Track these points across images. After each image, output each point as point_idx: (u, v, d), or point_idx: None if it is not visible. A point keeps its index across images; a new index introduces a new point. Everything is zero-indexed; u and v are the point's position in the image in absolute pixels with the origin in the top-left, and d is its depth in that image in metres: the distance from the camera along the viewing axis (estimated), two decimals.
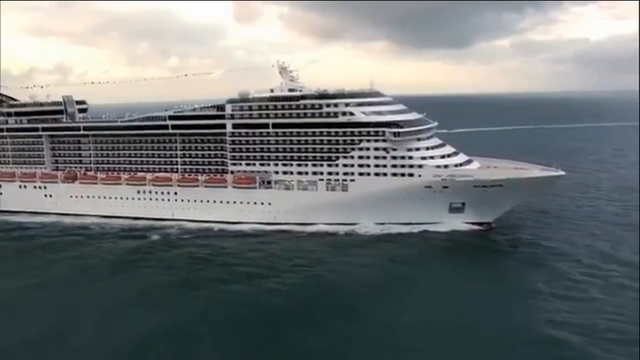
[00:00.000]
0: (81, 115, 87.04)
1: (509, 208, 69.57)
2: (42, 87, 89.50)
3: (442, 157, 68.71)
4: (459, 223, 68.44)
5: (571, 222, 71.16)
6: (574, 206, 79.79)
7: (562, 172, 68.08)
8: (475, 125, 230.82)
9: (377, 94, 72.46)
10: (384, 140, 67.54)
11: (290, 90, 73.37)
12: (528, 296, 47.35)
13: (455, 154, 71.22)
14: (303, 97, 70.76)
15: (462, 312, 44.50)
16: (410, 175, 67.22)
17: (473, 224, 68.83)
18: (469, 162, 70.81)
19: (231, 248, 63.14)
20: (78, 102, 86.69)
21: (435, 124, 74.29)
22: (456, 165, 68.14)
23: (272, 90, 74.04)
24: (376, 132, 67.83)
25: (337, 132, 69.31)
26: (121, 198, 78.82)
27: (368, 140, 68.22)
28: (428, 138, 70.67)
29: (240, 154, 73.79)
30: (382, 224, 68.08)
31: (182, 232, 70.31)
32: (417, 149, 67.91)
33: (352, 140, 68.88)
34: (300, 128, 70.54)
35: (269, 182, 72.88)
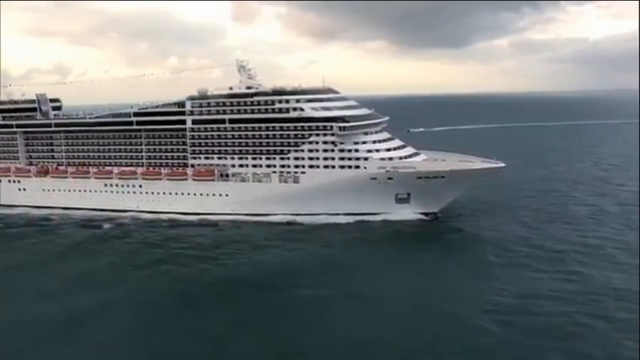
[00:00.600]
0: (55, 112, 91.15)
1: (453, 199, 72.81)
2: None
3: (388, 150, 72.14)
4: (406, 213, 71.71)
5: (511, 212, 74.19)
6: (520, 198, 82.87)
7: (502, 164, 71.39)
8: (472, 123, 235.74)
9: (329, 91, 76.00)
10: (332, 134, 71.00)
11: (248, 87, 76.92)
12: (446, 277, 51.00)
13: (402, 147, 74.64)
14: (257, 94, 74.40)
15: (383, 286, 48.43)
16: (357, 167, 70.67)
17: (420, 214, 72.39)
18: (415, 155, 74.24)
19: (180, 235, 67.10)
20: (52, 100, 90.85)
21: (386, 118, 77.80)
22: (400, 158, 71.57)
23: (231, 88, 77.76)
24: (324, 126, 71.32)
25: (288, 127, 72.86)
26: (89, 191, 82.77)
27: (317, 135, 71.74)
28: (376, 132, 74.08)
29: (200, 148, 77.55)
30: (331, 214, 71.58)
31: (137, 222, 74.36)
32: (364, 143, 71.33)
33: (303, 134, 72.42)
34: (255, 123, 74.17)
35: (226, 175, 76.57)
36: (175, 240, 64.48)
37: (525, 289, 46.12)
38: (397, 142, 74.94)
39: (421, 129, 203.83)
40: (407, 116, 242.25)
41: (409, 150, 74.53)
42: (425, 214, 72.27)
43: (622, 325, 39.14)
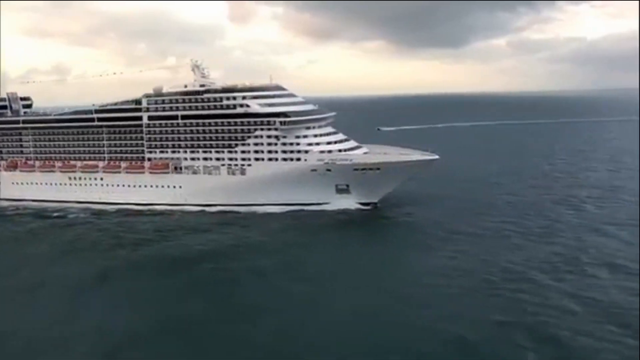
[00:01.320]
0: (25, 110, 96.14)
1: (392, 189, 77.08)
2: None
3: (328, 143, 76.50)
4: (346, 203, 76.10)
5: (447, 202, 78.37)
6: (461, 190, 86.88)
7: (436, 156, 75.64)
8: (462, 121, 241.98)
9: (277, 88, 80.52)
10: (275, 129, 75.50)
11: (201, 85, 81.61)
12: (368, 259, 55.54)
13: (345, 141, 79.00)
14: (207, 92, 79.03)
15: (309, 263, 54.41)
16: (298, 159, 75.10)
17: (360, 204, 76.77)
18: (356, 148, 78.59)
19: (127, 223, 72.28)
20: (22, 99, 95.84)
21: (332, 114, 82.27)
22: (340, 151, 75.88)
23: (185, 86, 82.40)
24: (268, 121, 75.77)
25: (235, 122, 77.39)
26: (55, 184, 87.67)
27: (262, 129, 76.22)
28: (319, 127, 78.43)
29: (155, 142, 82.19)
30: (275, 204, 76.01)
31: (87, 213, 79.52)
32: (305, 136, 75.77)
33: (248, 129, 76.94)
34: (205, 119, 78.76)
35: (180, 168, 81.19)
36: (121, 227, 69.52)
37: (426, 266, 51.58)
38: (339, 137, 79.31)
39: (392, 128, 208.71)
40: (403, 115, 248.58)
41: (351, 144, 78.89)
42: (366, 204, 76.73)
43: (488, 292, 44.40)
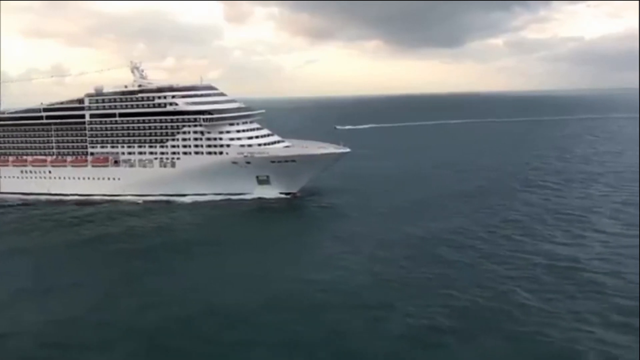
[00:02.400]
0: None
1: (309, 179, 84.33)
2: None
3: (249, 138, 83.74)
4: (268, 193, 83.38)
5: (359, 193, 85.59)
6: (379, 182, 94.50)
7: (347, 150, 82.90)
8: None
9: (207, 88, 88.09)
10: (200, 125, 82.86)
11: (140, 86, 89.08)
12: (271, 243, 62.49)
13: (267, 136, 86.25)
14: (141, 92, 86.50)
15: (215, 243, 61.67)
16: (220, 153, 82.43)
17: (280, 193, 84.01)
18: (278, 142, 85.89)
19: (61, 209, 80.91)
20: None
21: (260, 111, 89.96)
22: (259, 145, 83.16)
23: (126, 87, 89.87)
24: (194, 118, 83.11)
25: (165, 119, 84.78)
26: (9, 177, 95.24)
27: (189, 126, 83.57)
28: (244, 123, 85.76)
29: (97, 138, 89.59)
30: (202, 194, 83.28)
31: (24, 203, 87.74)
32: (228, 132, 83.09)
33: (177, 125, 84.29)
34: (139, 116, 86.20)
35: (118, 162, 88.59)
36: (57, 213, 78.33)
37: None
38: (263, 132, 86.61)
39: (348, 127, 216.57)
40: (375, 114, 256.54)
41: (273, 138, 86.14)
42: (286, 193, 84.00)
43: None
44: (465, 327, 37.25)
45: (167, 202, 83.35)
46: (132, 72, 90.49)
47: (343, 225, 67.00)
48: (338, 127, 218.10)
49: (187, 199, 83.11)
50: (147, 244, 61.61)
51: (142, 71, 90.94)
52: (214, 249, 58.22)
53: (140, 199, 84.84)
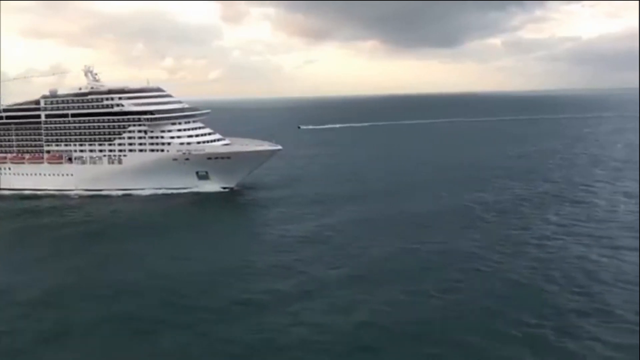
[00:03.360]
0: None
1: (246, 175, 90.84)
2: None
3: (189, 136, 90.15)
4: (208, 187, 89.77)
5: (295, 186, 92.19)
6: (317, 177, 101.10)
7: (279, 147, 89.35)
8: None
9: (154, 90, 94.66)
10: (144, 125, 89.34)
11: (92, 88, 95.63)
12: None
13: (208, 134, 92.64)
14: (91, 93, 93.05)
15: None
16: (162, 150, 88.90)
17: (220, 188, 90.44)
18: (218, 140, 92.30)
19: (16, 201, 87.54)
20: None
21: (205, 112, 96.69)
22: (198, 143, 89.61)
23: (80, 89, 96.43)
24: (138, 118, 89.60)
25: (113, 119, 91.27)
26: None
27: (134, 125, 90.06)
28: (186, 123, 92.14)
29: (52, 137, 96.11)
30: (147, 188, 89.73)
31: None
32: (169, 131, 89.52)
33: (123, 125, 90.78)
34: (90, 117, 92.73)
35: (71, 159, 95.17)
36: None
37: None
38: (204, 131, 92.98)
39: (311, 127, 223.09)
40: (350, 114, 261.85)
41: (213, 137, 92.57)
42: (225, 188, 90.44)
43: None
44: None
45: (114, 196, 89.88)
46: (86, 75, 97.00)
47: (268, 213, 74.73)
48: (302, 127, 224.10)
49: (133, 193, 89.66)
50: (89, 229, 69.16)
51: (96, 74, 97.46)
52: (149, 232, 66.42)
53: (89, 193, 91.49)
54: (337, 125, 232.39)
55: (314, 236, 60.90)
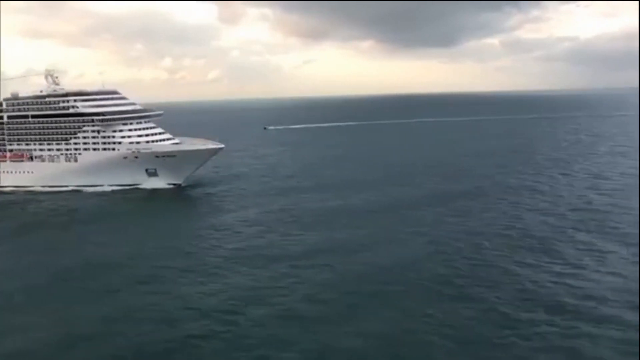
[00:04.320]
0: None
1: (192, 172, 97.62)
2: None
3: (139, 136, 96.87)
4: (156, 184, 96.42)
5: (240, 182, 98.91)
6: (261, 173, 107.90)
7: (222, 145, 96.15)
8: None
9: (110, 93, 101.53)
10: (96, 125, 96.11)
11: (53, 90, 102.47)
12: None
13: (159, 134, 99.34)
14: (49, 96, 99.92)
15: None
16: (113, 149, 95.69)
17: (168, 184, 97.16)
18: (167, 140, 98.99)
19: None
20: None
21: (158, 113, 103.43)
22: (147, 142, 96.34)
23: (41, 91, 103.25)
24: (92, 119, 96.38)
25: (69, 120, 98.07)
26: None
27: (87, 125, 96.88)
28: (138, 123, 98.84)
29: (14, 137, 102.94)
30: (100, 185, 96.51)
31: None
32: (121, 131, 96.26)
33: (78, 125, 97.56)
34: (48, 117, 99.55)
35: (32, 157, 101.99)
36: None
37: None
38: (155, 131, 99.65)
39: (278, 127, 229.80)
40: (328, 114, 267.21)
41: (163, 136, 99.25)
42: (173, 184, 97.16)
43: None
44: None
45: (72, 192, 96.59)
46: (46, 78, 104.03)
47: (209, 206, 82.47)
48: (270, 127, 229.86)
49: (88, 189, 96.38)
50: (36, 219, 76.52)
51: (56, 78, 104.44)
52: (88, 221, 73.74)
53: (46, 189, 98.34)
54: (308, 125, 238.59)
55: (232, 227, 67.38)
